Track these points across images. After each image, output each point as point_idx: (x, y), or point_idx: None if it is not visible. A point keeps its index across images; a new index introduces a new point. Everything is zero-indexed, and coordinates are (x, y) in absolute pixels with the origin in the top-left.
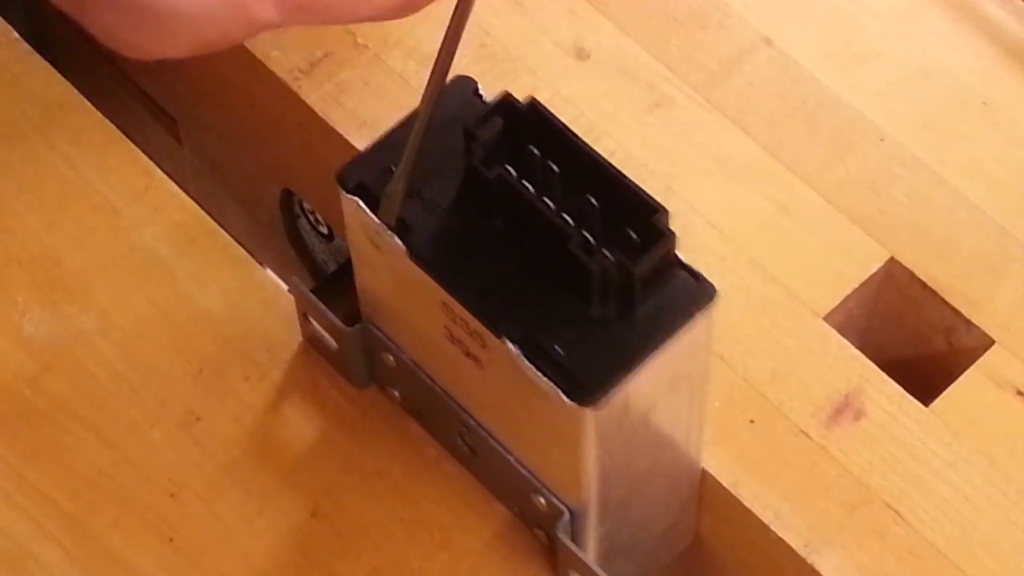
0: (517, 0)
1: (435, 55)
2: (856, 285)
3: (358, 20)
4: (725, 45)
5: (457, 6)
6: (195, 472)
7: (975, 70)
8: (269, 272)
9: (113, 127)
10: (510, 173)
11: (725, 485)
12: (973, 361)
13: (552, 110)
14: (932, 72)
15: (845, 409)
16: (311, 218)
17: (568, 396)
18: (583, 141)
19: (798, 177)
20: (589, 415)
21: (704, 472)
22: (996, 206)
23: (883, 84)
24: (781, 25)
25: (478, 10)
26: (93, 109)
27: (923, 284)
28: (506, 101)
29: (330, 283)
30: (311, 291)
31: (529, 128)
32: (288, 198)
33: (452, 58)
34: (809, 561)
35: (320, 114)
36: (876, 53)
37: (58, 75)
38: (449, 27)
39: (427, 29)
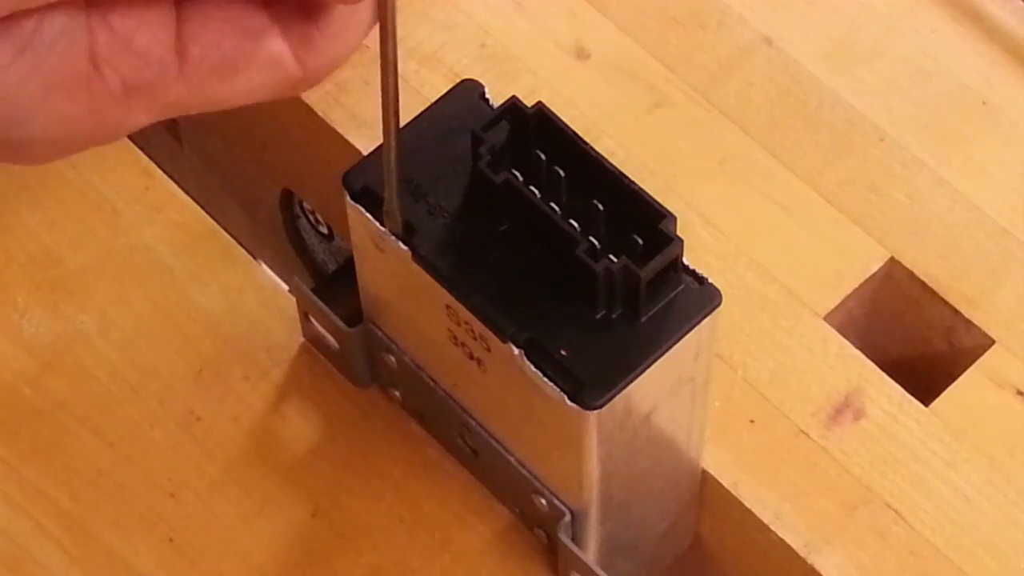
0: (517, 0)
1: (435, 55)
2: (856, 285)
3: (235, 104)
4: (725, 45)
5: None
6: (195, 472)
7: (975, 70)
8: (269, 272)
9: None
10: (517, 177)
11: (725, 485)
12: (973, 361)
13: (552, 110)
14: (932, 72)
15: (845, 409)
16: (311, 218)
17: (571, 399)
18: (590, 146)
19: (798, 177)
20: (592, 418)
21: (704, 472)
22: (996, 206)
23: (883, 84)
24: (781, 25)
25: (478, 10)
26: None
27: (923, 284)
28: (513, 106)
29: (331, 283)
30: (312, 291)
31: (536, 133)
32: (288, 198)
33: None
34: (809, 561)
35: (320, 114)
36: (876, 53)
37: None
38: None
39: (427, 29)
